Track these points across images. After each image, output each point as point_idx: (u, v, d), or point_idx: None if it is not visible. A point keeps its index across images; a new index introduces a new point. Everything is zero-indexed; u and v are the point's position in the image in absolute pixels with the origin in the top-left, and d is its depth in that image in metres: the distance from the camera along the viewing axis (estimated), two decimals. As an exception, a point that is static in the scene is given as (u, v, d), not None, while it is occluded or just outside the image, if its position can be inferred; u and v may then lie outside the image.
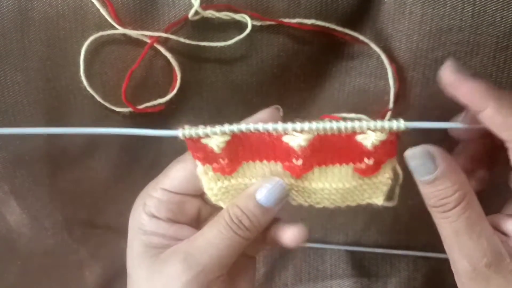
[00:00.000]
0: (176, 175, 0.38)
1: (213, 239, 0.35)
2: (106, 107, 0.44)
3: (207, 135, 0.35)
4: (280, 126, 0.34)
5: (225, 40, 0.42)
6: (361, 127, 0.34)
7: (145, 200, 0.38)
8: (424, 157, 0.34)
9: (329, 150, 0.35)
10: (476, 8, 0.40)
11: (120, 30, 0.41)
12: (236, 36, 0.42)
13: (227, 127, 0.35)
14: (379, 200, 0.38)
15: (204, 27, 0.42)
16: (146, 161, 0.48)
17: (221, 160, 0.36)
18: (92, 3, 0.41)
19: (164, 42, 0.43)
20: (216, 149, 0.35)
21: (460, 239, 0.34)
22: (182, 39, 0.42)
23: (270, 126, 0.34)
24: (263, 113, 0.38)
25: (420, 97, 0.45)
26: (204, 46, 0.42)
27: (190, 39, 0.42)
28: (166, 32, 0.42)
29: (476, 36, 0.41)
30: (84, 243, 0.53)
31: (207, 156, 0.36)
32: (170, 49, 0.43)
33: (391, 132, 0.34)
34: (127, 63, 0.43)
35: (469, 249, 0.34)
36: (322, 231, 0.56)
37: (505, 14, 0.40)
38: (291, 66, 0.45)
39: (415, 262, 0.54)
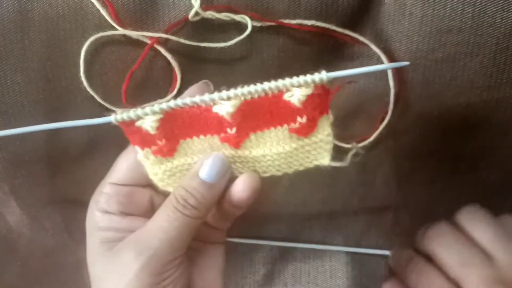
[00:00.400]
0: (121, 167, 0.38)
1: (161, 223, 0.36)
2: (106, 108, 0.44)
3: (139, 117, 0.35)
4: (206, 97, 0.34)
5: (225, 41, 0.42)
6: (284, 85, 0.34)
7: (97, 197, 0.38)
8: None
9: (260, 114, 0.35)
10: (476, 9, 0.40)
11: (120, 31, 0.41)
12: (236, 37, 0.42)
13: (156, 106, 0.34)
14: (325, 160, 0.38)
15: (204, 28, 0.42)
16: (146, 161, 0.48)
17: (158, 141, 0.36)
18: (92, 3, 0.41)
19: (164, 43, 0.43)
20: (150, 130, 0.35)
21: None
22: (182, 40, 0.42)
23: (197, 99, 0.34)
24: (193, 88, 0.39)
25: (420, 98, 0.45)
26: (204, 47, 0.42)
27: (190, 40, 0.42)
28: (166, 33, 0.42)
29: (476, 37, 0.41)
30: (84, 243, 0.53)
31: (144, 139, 0.36)
32: (170, 50, 0.43)
33: (316, 85, 0.34)
34: (127, 63, 0.43)
35: None
36: (322, 232, 0.56)
37: (505, 15, 0.40)
38: (291, 67, 0.45)
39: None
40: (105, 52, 0.43)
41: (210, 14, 0.41)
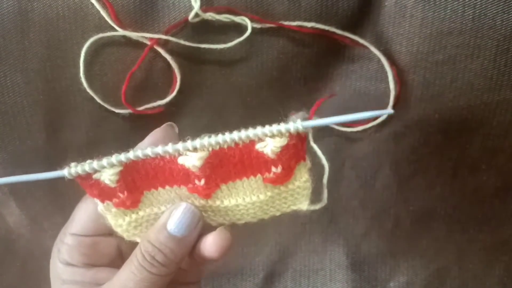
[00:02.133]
0: (81, 217, 0.36)
1: (127, 282, 0.32)
2: (106, 109, 0.44)
3: (95, 170, 0.32)
4: (170, 147, 0.31)
5: (225, 42, 0.42)
6: (256, 135, 0.31)
7: (58, 247, 0.36)
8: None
9: (230, 165, 0.33)
10: (477, 11, 0.40)
11: (120, 32, 0.41)
12: (236, 38, 0.42)
13: (114, 158, 0.32)
14: (303, 205, 0.35)
15: (204, 29, 0.42)
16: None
17: (119, 194, 0.33)
18: (92, 4, 0.41)
19: (164, 44, 0.43)
20: (110, 183, 0.32)
21: None
22: (182, 41, 0.42)
23: (159, 149, 0.31)
24: (155, 133, 0.35)
25: (420, 100, 0.44)
26: (204, 48, 0.42)
27: (190, 41, 0.42)
28: (166, 34, 0.42)
29: (476, 39, 0.41)
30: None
31: (103, 192, 0.33)
32: (170, 51, 0.43)
33: (291, 135, 0.31)
34: (127, 64, 0.43)
35: None
36: (322, 235, 0.56)
37: (506, 17, 0.40)
38: (291, 69, 0.45)
39: (414, 267, 0.53)
40: (105, 53, 0.43)
41: (210, 15, 0.41)
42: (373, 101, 0.46)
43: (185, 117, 0.46)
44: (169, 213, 0.34)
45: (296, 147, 0.32)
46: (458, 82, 0.43)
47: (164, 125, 0.36)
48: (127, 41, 0.42)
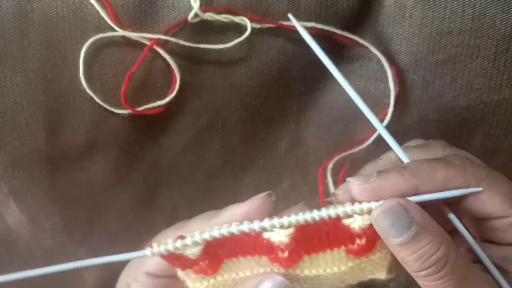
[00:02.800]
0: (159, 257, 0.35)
1: None
2: (106, 109, 0.44)
3: (177, 249, 0.32)
4: (256, 225, 0.31)
5: (224, 42, 0.42)
6: (345, 212, 0.31)
7: (129, 282, 0.36)
8: (398, 213, 0.30)
9: (315, 238, 0.33)
10: (476, 11, 0.40)
11: (120, 32, 0.41)
12: (235, 38, 0.42)
13: (198, 236, 0.32)
14: (382, 274, 0.36)
15: (203, 30, 0.42)
16: (145, 163, 0.48)
17: (201, 262, 0.34)
18: (92, 5, 0.41)
19: (164, 44, 0.43)
20: (192, 257, 0.33)
21: None
22: (181, 42, 0.42)
23: (245, 227, 0.31)
24: (255, 202, 0.34)
25: (420, 100, 0.44)
26: (203, 49, 0.42)
27: (189, 41, 0.42)
28: (165, 34, 0.42)
29: (476, 39, 0.41)
30: (83, 244, 0.53)
31: (185, 263, 0.34)
32: (169, 51, 0.43)
33: None
34: (126, 65, 0.43)
35: None
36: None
37: (505, 17, 0.40)
38: (290, 69, 0.45)
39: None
40: (105, 53, 0.43)
41: (209, 15, 0.41)
42: (373, 101, 0.46)
43: (184, 117, 0.46)
44: (257, 281, 0.33)
45: None
46: (458, 82, 0.43)
47: (263, 194, 0.35)
48: (127, 41, 0.42)
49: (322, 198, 0.43)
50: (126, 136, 0.46)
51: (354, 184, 0.32)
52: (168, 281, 0.36)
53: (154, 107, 0.45)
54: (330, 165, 0.47)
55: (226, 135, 0.47)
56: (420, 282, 0.31)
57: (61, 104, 0.44)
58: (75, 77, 0.43)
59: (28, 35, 0.41)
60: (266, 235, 0.32)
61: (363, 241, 0.33)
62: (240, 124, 0.47)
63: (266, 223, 0.31)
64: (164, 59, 0.43)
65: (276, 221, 0.31)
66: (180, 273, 0.35)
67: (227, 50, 0.42)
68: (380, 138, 0.46)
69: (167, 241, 0.32)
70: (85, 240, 0.53)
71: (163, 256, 0.33)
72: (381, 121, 0.45)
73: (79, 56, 0.42)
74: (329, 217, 0.31)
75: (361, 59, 0.45)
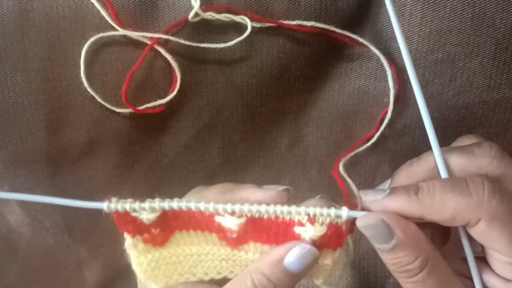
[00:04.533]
0: None
1: None
2: (107, 108, 0.44)
3: (134, 210, 0.33)
4: (211, 206, 0.33)
5: (225, 41, 0.42)
6: (298, 212, 0.32)
7: None
8: (379, 228, 0.32)
9: (264, 233, 0.34)
10: (476, 10, 0.40)
11: (121, 31, 0.41)
12: (236, 37, 0.42)
13: (157, 203, 0.33)
14: (317, 280, 0.37)
15: (204, 29, 0.42)
16: (146, 161, 0.48)
17: (152, 229, 0.34)
18: (93, 4, 0.41)
19: (164, 43, 0.43)
20: (146, 222, 0.34)
21: None
22: (182, 41, 0.42)
23: (201, 205, 0.33)
24: (269, 193, 0.35)
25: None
26: (204, 48, 0.43)
27: (190, 40, 0.42)
28: (166, 33, 0.42)
29: (476, 37, 0.41)
30: (84, 243, 0.53)
31: (137, 227, 0.34)
32: (170, 51, 0.43)
33: (331, 224, 0.33)
34: (127, 64, 0.43)
35: None
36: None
37: (505, 15, 0.40)
38: (290, 68, 0.45)
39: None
40: (105, 52, 0.43)
41: (210, 15, 0.41)
42: (372, 99, 0.46)
43: (185, 116, 0.46)
44: (283, 249, 0.34)
45: (333, 239, 0.34)
46: (457, 80, 0.43)
47: (281, 188, 0.36)
48: (128, 40, 0.42)
49: (346, 195, 0.43)
50: (127, 135, 0.46)
51: (363, 199, 0.34)
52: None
53: (155, 106, 0.45)
54: (341, 165, 0.47)
55: (226, 134, 0.47)
56: (397, 279, 0.34)
57: (62, 103, 0.44)
58: (76, 76, 0.43)
59: (29, 35, 0.42)
60: (218, 218, 0.33)
61: None
62: (241, 122, 0.47)
63: (220, 206, 0.33)
64: (165, 58, 0.43)
65: (228, 207, 0.32)
66: (128, 242, 0.35)
67: (227, 49, 0.43)
68: (381, 137, 0.46)
69: (125, 200, 0.33)
70: (86, 238, 0.53)
71: (117, 215, 0.33)
72: (382, 119, 0.46)
73: (80, 56, 0.42)
74: (282, 214, 0.32)
75: (360, 58, 0.45)
